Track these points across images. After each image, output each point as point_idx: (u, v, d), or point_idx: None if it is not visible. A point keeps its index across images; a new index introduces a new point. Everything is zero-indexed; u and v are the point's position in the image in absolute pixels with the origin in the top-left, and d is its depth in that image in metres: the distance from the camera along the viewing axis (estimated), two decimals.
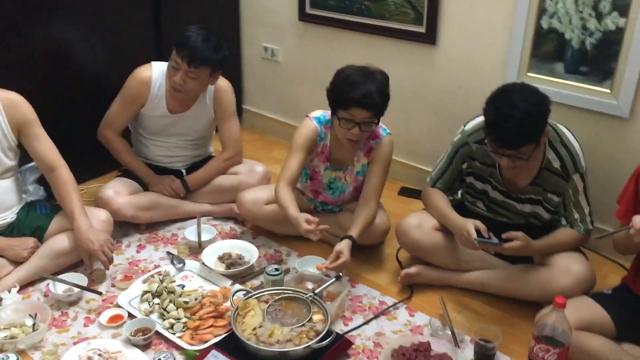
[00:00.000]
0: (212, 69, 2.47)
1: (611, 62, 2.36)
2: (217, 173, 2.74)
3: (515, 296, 2.25)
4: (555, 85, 2.49)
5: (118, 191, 2.57)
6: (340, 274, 2.20)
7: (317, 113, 2.45)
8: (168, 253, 2.50)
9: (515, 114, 1.98)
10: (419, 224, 2.35)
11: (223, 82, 2.66)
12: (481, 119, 2.29)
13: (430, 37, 2.82)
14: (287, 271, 2.39)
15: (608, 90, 2.40)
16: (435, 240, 2.33)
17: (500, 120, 2.00)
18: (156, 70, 2.59)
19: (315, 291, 2.08)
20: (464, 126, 2.35)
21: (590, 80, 2.43)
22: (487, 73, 2.72)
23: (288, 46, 3.46)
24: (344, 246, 2.24)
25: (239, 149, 2.76)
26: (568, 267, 2.13)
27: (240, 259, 2.43)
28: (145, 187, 2.69)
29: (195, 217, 2.64)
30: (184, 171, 2.79)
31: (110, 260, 2.23)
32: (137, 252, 2.55)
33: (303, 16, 3.27)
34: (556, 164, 2.18)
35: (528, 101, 2.02)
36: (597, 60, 2.39)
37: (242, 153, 2.79)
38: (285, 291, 2.08)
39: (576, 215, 2.20)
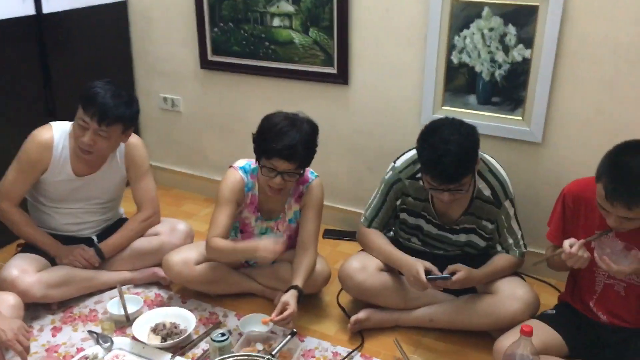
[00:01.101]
0: (124, 126, 2.28)
1: (521, 91, 2.49)
2: (134, 236, 2.51)
3: (465, 328, 2.25)
4: (469, 116, 2.56)
5: (23, 269, 2.26)
6: (295, 329, 2.08)
7: (242, 162, 2.34)
8: (91, 332, 2.23)
9: (452, 148, 2.02)
10: (363, 266, 2.29)
11: (134, 138, 2.47)
12: (411, 154, 2.32)
13: (342, 78, 2.82)
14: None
15: (520, 118, 2.52)
16: (381, 281, 2.29)
17: (438, 157, 2.02)
18: (57, 131, 2.35)
19: (273, 352, 1.94)
20: (394, 163, 2.35)
21: (503, 110, 2.55)
22: (402, 110, 2.77)
23: (190, 95, 3.32)
24: (289, 297, 2.14)
25: (156, 208, 2.56)
26: (514, 293, 2.17)
27: (175, 327, 2.22)
28: (53, 261, 2.40)
29: (113, 288, 2.39)
30: (94, 238, 2.53)
31: (27, 350, 1.94)
32: (53, 335, 2.24)
33: (205, 64, 3.15)
34: (487, 192, 2.23)
35: (459, 134, 2.07)
36: (508, 90, 2.51)
37: (159, 212, 2.59)
38: (239, 358, 1.92)
39: (510, 240, 2.27)
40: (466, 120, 2.49)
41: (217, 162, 3.40)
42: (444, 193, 2.11)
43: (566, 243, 1.93)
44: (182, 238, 2.53)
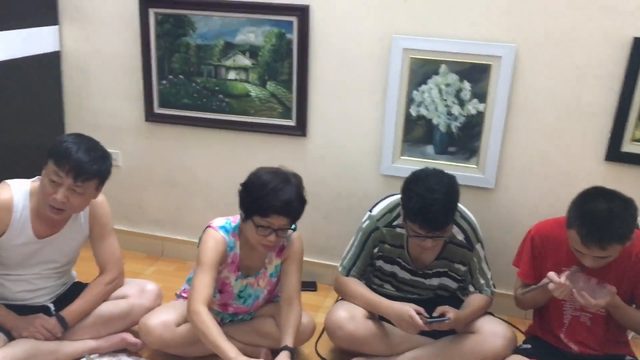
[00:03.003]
0: (99, 181, 2.15)
1: (475, 142, 2.68)
2: (99, 301, 2.33)
3: None
4: (427, 165, 2.72)
5: None
6: None
7: (221, 221, 2.27)
8: None
9: (439, 197, 2.13)
10: (351, 315, 2.31)
11: (99, 195, 2.33)
12: (387, 203, 2.41)
13: (300, 130, 2.87)
14: None
15: (475, 166, 2.71)
16: (369, 329, 2.31)
17: (427, 206, 2.12)
18: (16, 190, 2.16)
19: None
20: (370, 212, 2.42)
21: (458, 159, 2.73)
22: (360, 160, 2.86)
23: (131, 149, 3.18)
24: (283, 357, 2.09)
25: (121, 269, 2.40)
26: (495, 330, 2.29)
27: None
28: (10, 336, 2.16)
29: None
30: (50, 306, 2.32)
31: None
32: None
33: (150, 116, 3.05)
34: (460, 236, 2.36)
35: (443, 183, 2.19)
36: (463, 141, 2.70)
37: (124, 273, 2.43)
38: None
39: (482, 281, 2.40)
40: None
41: (159, 218, 3.27)
42: (427, 240, 2.20)
43: (551, 274, 2.10)
44: (153, 299, 2.40)
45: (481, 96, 2.62)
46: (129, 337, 2.35)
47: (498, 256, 2.68)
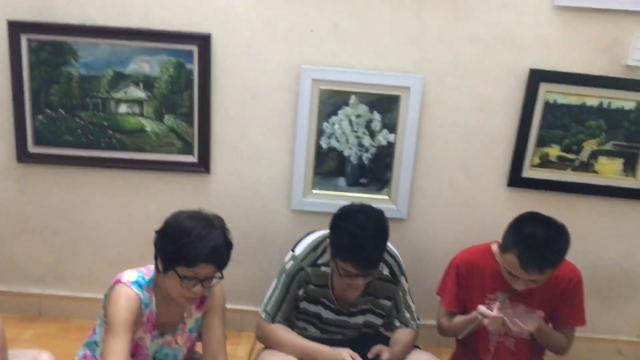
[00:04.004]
0: None
1: (387, 173, 2.66)
2: None
3: None
4: (339, 198, 2.64)
5: None
6: None
7: (132, 276, 1.99)
8: None
9: (371, 234, 2.05)
10: None
11: None
12: (309, 241, 2.29)
13: (203, 166, 2.66)
14: None
15: (387, 197, 2.69)
16: None
17: (360, 244, 2.03)
18: None
19: None
20: (293, 252, 2.28)
21: (370, 190, 2.69)
22: (269, 195, 2.72)
23: None
24: None
25: (2, 343, 2.02)
26: None
27: None
28: None
29: None
30: None
31: None
32: None
33: (24, 157, 2.65)
34: (385, 271, 2.30)
35: (373, 219, 2.11)
36: (374, 172, 2.67)
37: (6, 348, 2.05)
38: None
39: (407, 315, 2.35)
40: (336, 202, 2.58)
41: (35, 272, 2.86)
42: (359, 278, 2.12)
43: (481, 308, 2.10)
44: None
45: (391, 127, 2.61)
46: None
47: (413, 287, 2.66)
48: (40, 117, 2.62)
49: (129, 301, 1.91)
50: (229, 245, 1.94)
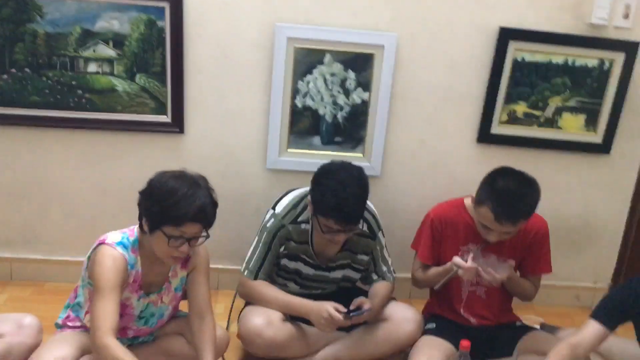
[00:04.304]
0: None
1: (361, 131, 2.70)
2: None
3: (367, 358, 2.33)
4: (314, 157, 2.68)
5: None
6: None
7: (116, 237, 1.98)
8: None
9: (353, 191, 2.10)
10: (268, 321, 2.19)
11: None
12: (289, 199, 2.33)
13: (177, 126, 2.63)
14: None
15: (361, 155, 2.73)
16: (288, 332, 2.22)
17: (342, 201, 2.07)
18: None
19: None
20: (273, 210, 2.32)
21: (345, 148, 2.72)
22: (244, 155, 2.72)
23: None
24: None
25: None
26: (405, 316, 2.34)
27: None
28: None
29: None
30: None
31: None
32: None
33: None
34: (364, 227, 2.37)
35: (354, 175, 2.16)
36: (349, 130, 2.70)
37: None
38: None
39: (384, 268, 2.44)
40: (311, 160, 2.64)
41: (5, 236, 2.80)
42: (340, 234, 2.17)
43: (456, 259, 2.20)
44: (35, 335, 2.02)
45: (365, 85, 2.63)
46: None
47: (387, 242, 2.75)
48: (4, 76, 2.52)
49: (116, 262, 1.92)
50: (214, 204, 1.96)
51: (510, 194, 2.10)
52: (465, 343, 1.95)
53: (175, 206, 1.85)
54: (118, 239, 1.97)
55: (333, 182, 2.11)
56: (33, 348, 2.02)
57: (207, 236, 1.97)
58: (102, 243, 1.96)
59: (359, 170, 2.20)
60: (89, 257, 1.99)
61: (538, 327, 2.64)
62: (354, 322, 2.20)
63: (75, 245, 2.82)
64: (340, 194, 2.08)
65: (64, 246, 2.83)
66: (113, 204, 2.77)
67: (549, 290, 2.97)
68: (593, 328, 1.98)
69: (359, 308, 2.20)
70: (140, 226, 1.97)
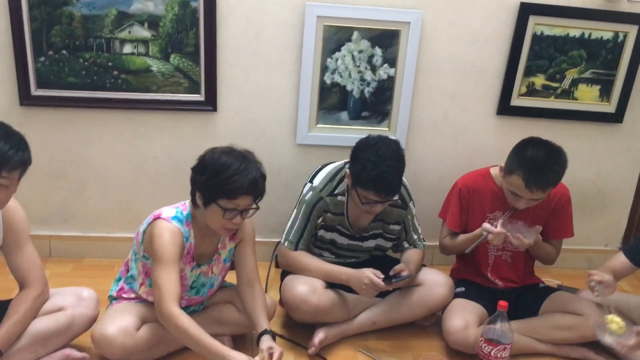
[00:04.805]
0: (23, 171, 1.86)
1: (387, 105, 2.80)
2: (29, 319, 2.00)
3: (404, 321, 2.47)
4: (342, 131, 2.79)
5: None
6: None
7: (171, 212, 2.08)
8: None
9: (391, 164, 2.20)
10: (312, 288, 2.31)
11: (12, 200, 1.99)
12: (326, 172, 2.44)
13: (210, 104, 2.72)
14: None
15: (387, 129, 2.84)
16: (331, 299, 2.34)
17: (382, 173, 2.18)
18: None
19: None
20: (311, 183, 2.42)
21: (371, 123, 2.83)
22: (274, 131, 2.82)
23: None
24: (268, 341, 2.05)
25: (45, 281, 2.08)
26: (438, 280, 2.47)
27: None
28: None
29: None
30: None
31: None
32: None
33: (27, 99, 2.62)
34: (396, 198, 2.48)
35: (392, 148, 2.26)
36: (375, 105, 2.80)
37: (48, 285, 2.12)
38: None
39: (415, 236, 2.56)
40: (340, 135, 2.75)
41: (44, 215, 2.88)
42: (377, 205, 2.28)
43: (486, 225, 2.32)
44: (94, 306, 2.13)
45: (391, 61, 2.73)
46: (74, 353, 2.08)
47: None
48: (42, 59, 2.58)
49: (174, 235, 2.02)
50: (264, 176, 2.06)
51: (540, 162, 2.22)
52: (503, 303, 2.10)
53: (230, 180, 1.96)
54: (173, 214, 2.08)
55: (373, 156, 2.21)
56: (93, 319, 2.13)
57: (257, 208, 2.08)
58: (158, 218, 2.06)
59: (397, 143, 2.30)
60: (144, 232, 2.09)
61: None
62: (394, 287, 2.32)
63: (111, 222, 2.92)
64: (380, 167, 2.18)
65: (101, 223, 2.92)
66: (148, 182, 2.86)
67: (562, 253, 3.11)
68: (623, 259, 2.29)
69: (398, 274, 2.34)
70: (193, 201, 2.08)
